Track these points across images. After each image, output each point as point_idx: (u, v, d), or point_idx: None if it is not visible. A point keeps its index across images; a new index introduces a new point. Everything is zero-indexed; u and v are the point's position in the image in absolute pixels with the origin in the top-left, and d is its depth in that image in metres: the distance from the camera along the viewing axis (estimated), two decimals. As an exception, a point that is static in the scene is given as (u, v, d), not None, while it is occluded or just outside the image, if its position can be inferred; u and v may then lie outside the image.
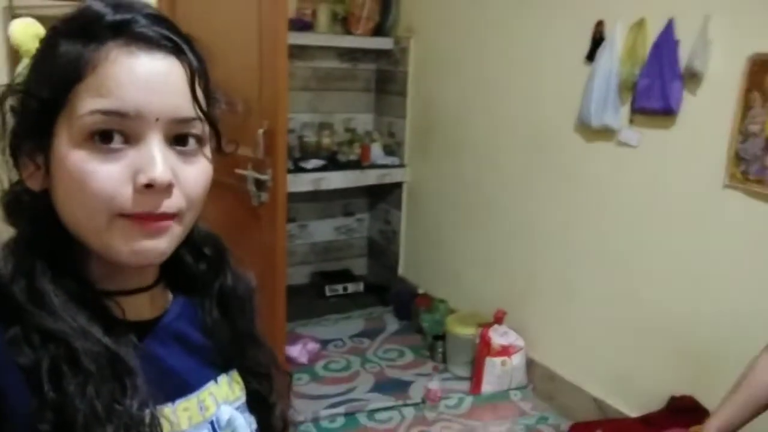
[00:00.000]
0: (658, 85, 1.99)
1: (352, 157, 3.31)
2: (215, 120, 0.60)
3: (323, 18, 3.22)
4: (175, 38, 0.56)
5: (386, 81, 3.45)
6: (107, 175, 0.53)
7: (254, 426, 0.70)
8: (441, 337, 2.82)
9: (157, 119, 0.54)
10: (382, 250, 3.64)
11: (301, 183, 3.04)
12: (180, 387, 0.63)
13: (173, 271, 0.67)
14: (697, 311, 2.00)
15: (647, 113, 2.07)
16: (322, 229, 3.63)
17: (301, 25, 3.13)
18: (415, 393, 2.56)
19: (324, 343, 2.94)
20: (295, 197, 3.24)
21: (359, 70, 3.49)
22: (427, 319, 2.96)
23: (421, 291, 3.22)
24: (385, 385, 2.63)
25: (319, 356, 2.83)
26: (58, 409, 0.50)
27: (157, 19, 0.56)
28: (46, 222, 0.57)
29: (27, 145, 0.56)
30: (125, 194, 0.53)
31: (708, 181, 1.92)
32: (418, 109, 3.26)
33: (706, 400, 1.96)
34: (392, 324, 3.22)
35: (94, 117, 0.52)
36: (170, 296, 0.68)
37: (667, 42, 1.96)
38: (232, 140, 0.65)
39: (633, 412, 2.17)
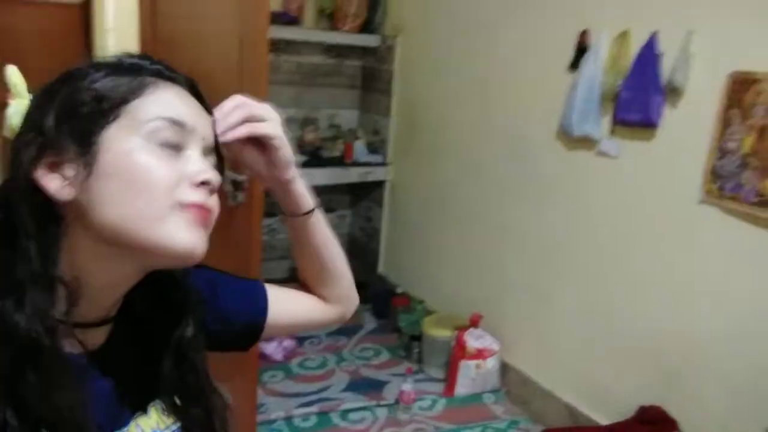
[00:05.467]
0: (639, 98, 1.99)
1: (336, 154, 3.30)
2: (224, 164, 0.72)
3: (310, 13, 3.20)
4: (197, 89, 0.69)
5: (372, 78, 3.43)
6: (169, 168, 0.60)
7: None
8: (417, 337, 2.82)
9: (203, 138, 0.65)
10: (362, 247, 3.63)
11: (283, 179, 3.02)
12: (114, 418, 0.64)
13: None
14: (671, 325, 2.01)
15: (628, 125, 2.07)
16: (303, 225, 3.61)
17: (287, 19, 3.10)
18: (389, 393, 2.56)
19: (300, 340, 2.93)
20: (276, 192, 3.23)
21: (345, 67, 3.47)
22: (404, 319, 2.97)
23: (399, 290, 3.23)
24: (360, 385, 2.63)
25: (295, 353, 2.82)
26: None
27: (184, 75, 0.68)
28: (54, 234, 0.59)
29: (61, 155, 0.59)
30: (183, 187, 0.61)
31: (685, 195, 1.93)
32: (403, 109, 3.25)
33: (675, 412, 1.98)
34: (370, 322, 3.22)
35: (158, 122, 0.60)
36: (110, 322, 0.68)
37: (649, 55, 1.96)
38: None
39: (603, 421, 2.19)
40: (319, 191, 3.51)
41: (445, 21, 2.88)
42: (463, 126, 2.83)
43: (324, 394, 2.54)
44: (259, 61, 1.89)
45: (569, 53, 2.24)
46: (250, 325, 0.83)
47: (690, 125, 1.90)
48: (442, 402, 2.54)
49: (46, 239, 0.57)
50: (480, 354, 2.54)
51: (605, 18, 2.12)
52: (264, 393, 2.48)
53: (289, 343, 2.82)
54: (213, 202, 0.65)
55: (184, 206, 0.60)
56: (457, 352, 2.56)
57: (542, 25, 2.37)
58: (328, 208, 3.64)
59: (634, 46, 2.02)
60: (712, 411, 1.91)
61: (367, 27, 3.27)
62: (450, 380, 2.58)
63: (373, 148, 3.39)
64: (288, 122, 2.78)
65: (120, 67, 0.63)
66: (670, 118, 1.96)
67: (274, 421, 2.34)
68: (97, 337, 0.65)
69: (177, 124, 0.61)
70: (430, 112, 3.03)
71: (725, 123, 1.80)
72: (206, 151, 0.65)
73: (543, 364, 2.49)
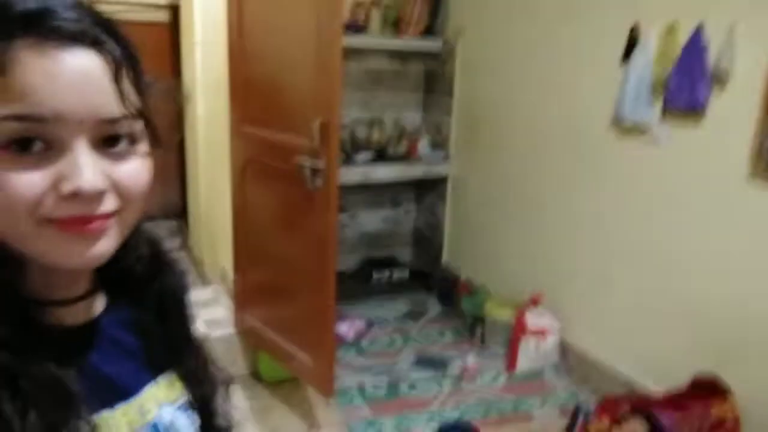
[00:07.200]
0: (687, 85, 2.14)
1: (401, 152, 3.53)
2: (148, 114, 0.56)
3: (375, 21, 3.45)
4: (93, 29, 0.52)
5: (434, 80, 3.65)
6: (28, 182, 0.49)
7: (197, 424, 0.70)
8: (480, 319, 3.00)
9: (81, 122, 0.50)
10: (427, 239, 3.84)
11: (352, 175, 3.27)
12: (118, 392, 0.62)
13: (106, 271, 0.64)
14: (722, 297, 2.13)
15: (677, 111, 2.21)
16: (371, 219, 3.86)
17: (355, 28, 3.36)
18: (454, 368, 2.76)
19: (370, 323, 3.16)
20: (346, 189, 3.48)
21: (409, 71, 3.70)
22: (467, 302, 3.15)
23: (462, 278, 3.42)
24: (426, 361, 2.83)
25: (365, 334, 3.06)
26: None
27: (72, 7, 0.51)
28: None
29: None
30: (50, 202, 0.50)
31: (732, 174, 2.06)
32: (464, 107, 3.45)
33: (728, 379, 2.10)
34: (435, 308, 3.42)
35: (7, 124, 0.48)
36: (104, 298, 0.66)
37: (696, 44, 2.10)
38: (170, 134, 0.62)
39: (660, 391, 2.31)
40: (386, 187, 3.73)
41: (503, 22, 3.07)
42: (521, 121, 3.00)
43: (393, 368, 2.76)
44: (334, 67, 2.06)
45: (621, 46, 2.40)
46: None
47: (735, 109, 2.03)
48: (503, 376, 2.71)
49: None
50: (540, 332, 2.70)
51: (654, 12, 2.27)
52: (338, 367, 2.72)
53: (359, 324, 3.06)
54: (105, 206, 0.52)
55: (53, 221, 0.51)
56: (517, 330, 2.72)
57: (596, 21, 2.53)
58: (394, 203, 3.88)
59: (682, 37, 2.17)
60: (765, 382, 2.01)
61: (429, 32, 3.50)
62: (511, 357, 2.75)
63: (435, 146, 3.60)
64: (356, 123, 3.02)
65: None
66: (717, 103, 2.09)
67: (348, 389, 2.57)
68: (88, 311, 0.63)
69: (33, 120, 0.48)
70: (490, 109, 3.22)
71: (768, 104, 1.92)
72: (102, 128, 0.52)
73: (601, 340, 2.63)
